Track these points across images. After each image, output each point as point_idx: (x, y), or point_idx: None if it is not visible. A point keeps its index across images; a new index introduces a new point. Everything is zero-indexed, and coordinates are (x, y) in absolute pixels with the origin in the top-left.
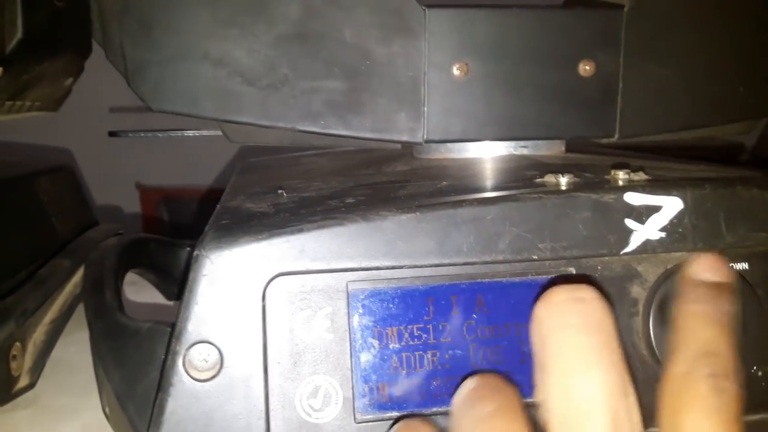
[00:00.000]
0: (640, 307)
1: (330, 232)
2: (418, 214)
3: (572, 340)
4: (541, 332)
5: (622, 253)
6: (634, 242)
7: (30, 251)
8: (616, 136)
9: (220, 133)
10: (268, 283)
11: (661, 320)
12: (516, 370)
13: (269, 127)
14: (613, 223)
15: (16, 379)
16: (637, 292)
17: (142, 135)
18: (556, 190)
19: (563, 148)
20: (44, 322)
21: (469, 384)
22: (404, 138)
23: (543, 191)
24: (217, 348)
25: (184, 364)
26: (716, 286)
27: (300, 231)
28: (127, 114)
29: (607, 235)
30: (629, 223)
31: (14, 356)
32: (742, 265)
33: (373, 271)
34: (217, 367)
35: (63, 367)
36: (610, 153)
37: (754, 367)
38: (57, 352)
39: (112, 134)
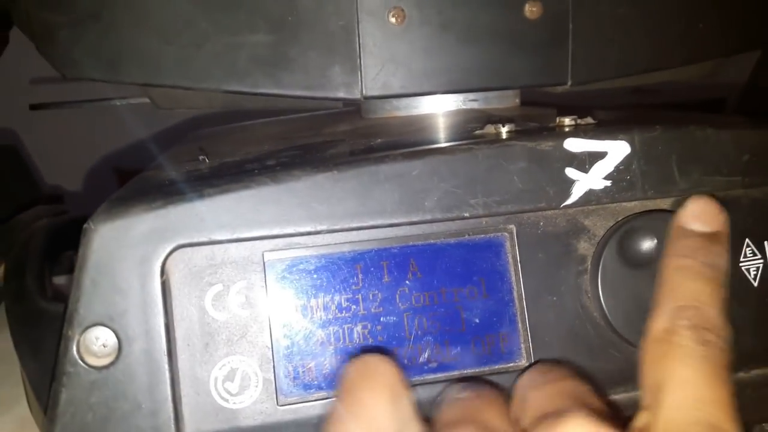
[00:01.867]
0: (589, 265)
1: (235, 197)
2: (335, 172)
3: None
4: None
5: (563, 205)
6: (576, 193)
7: None
8: (569, 82)
9: (147, 100)
10: (167, 256)
11: (613, 279)
12: (456, 339)
13: (194, 89)
14: (553, 173)
15: None
16: (585, 248)
17: (66, 106)
18: (488, 141)
19: (518, 101)
20: None
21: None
22: (341, 94)
23: (473, 142)
24: (114, 331)
25: (78, 350)
26: (706, 237)
27: (200, 197)
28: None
29: (545, 187)
30: (570, 172)
31: None
32: None
33: (291, 238)
34: (116, 352)
35: (2, 357)
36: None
37: None
38: None
39: (33, 107)
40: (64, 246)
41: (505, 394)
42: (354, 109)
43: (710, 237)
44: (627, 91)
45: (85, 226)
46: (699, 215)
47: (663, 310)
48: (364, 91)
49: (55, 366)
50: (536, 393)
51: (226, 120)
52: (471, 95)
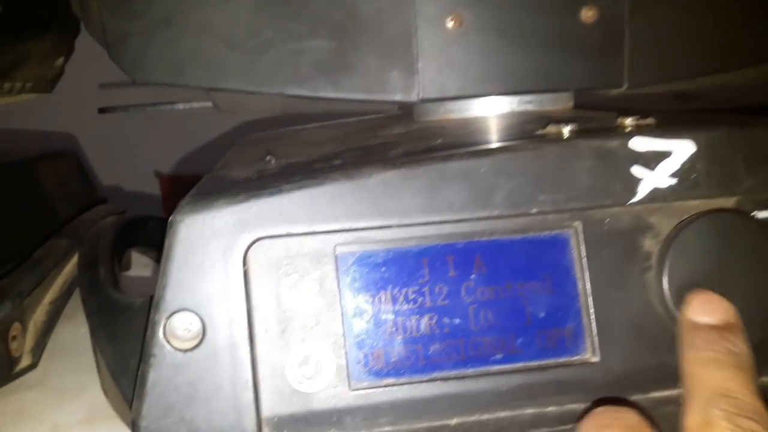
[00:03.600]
0: (654, 262)
1: (310, 193)
2: (404, 169)
3: None
4: None
5: (629, 203)
6: (642, 191)
7: (32, 235)
8: (625, 85)
9: (210, 104)
10: (249, 247)
11: (678, 275)
12: (520, 332)
13: (257, 93)
14: (619, 171)
15: (17, 360)
16: (650, 245)
17: (132, 110)
18: (556, 140)
19: (571, 103)
20: (44, 303)
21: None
22: (398, 97)
23: (542, 141)
24: (199, 316)
25: (164, 334)
26: (718, 328)
27: (279, 192)
28: (124, 90)
29: (612, 185)
30: (636, 170)
31: (14, 337)
32: (766, 213)
33: (362, 232)
34: (200, 336)
35: (71, 347)
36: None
37: None
38: (66, 333)
39: (102, 111)
40: (126, 243)
41: None
42: (406, 113)
43: (722, 328)
44: (669, 98)
45: (171, 218)
46: (704, 309)
47: (694, 404)
48: (420, 94)
49: (143, 349)
50: None
51: (276, 125)
52: (526, 97)
